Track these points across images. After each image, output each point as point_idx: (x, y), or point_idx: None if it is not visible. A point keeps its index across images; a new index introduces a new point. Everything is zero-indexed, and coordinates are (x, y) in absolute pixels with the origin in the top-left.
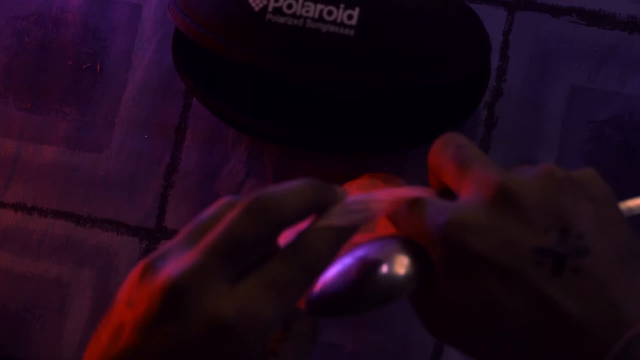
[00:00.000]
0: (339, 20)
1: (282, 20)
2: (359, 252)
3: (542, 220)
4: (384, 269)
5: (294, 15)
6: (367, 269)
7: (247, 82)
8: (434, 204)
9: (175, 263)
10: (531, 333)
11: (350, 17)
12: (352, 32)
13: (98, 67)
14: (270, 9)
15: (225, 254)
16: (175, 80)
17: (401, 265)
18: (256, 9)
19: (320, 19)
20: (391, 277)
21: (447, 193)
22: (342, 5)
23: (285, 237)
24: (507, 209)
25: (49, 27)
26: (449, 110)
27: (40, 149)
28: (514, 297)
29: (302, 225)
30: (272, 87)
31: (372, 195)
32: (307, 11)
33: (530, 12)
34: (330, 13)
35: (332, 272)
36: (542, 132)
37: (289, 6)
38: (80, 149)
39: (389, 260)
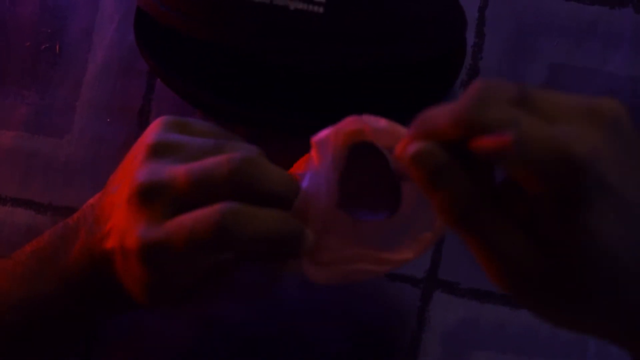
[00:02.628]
0: None
1: None
2: None
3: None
4: None
5: None
6: None
7: (213, 61)
8: (537, 123)
9: (159, 175)
10: None
11: None
12: (320, 9)
13: (57, 47)
14: None
15: (187, 194)
16: (137, 60)
17: None
18: None
19: None
20: None
21: None
22: None
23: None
24: (614, 133)
25: (5, 5)
26: (424, 88)
27: None
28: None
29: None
30: (239, 66)
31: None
32: None
33: None
34: None
35: None
36: None
37: None
38: (40, 134)
39: None
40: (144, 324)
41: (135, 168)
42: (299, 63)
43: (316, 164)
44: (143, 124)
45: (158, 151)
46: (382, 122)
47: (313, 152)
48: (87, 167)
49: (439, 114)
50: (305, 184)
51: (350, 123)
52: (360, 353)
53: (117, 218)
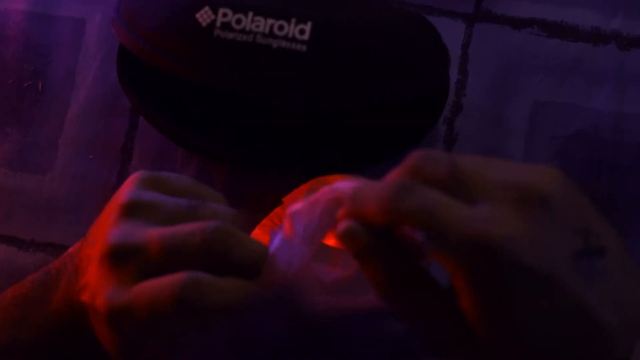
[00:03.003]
0: (290, 35)
1: (231, 36)
2: None
3: (569, 222)
4: None
5: (243, 31)
6: None
7: (196, 99)
8: (456, 210)
9: (131, 238)
10: (572, 348)
11: (302, 31)
12: (304, 48)
13: (40, 85)
14: (218, 24)
15: (158, 260)
16: (120, 98)
17: None
18: (203, 24)
19: (271, 34)
20: None
21: None
22: (293, 20)
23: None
24: (538, 212)
25: None
26: (406, 126)
27: None
28: (557, 310)
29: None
30: (222, 105)
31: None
32: (257, 26)
33: (489, 24)
34: (281, 28)
35: None
36: (505, 148)
37: (238, 21)
38: (23, 171)
39: None
40: None
41: (108, 227)
42: (282, 102)
43: (288, 234)
44: (126, 162)
45: (131, 211)
46: (354, 184)
47: (285, 222)
48: (70, 204)
49: (368, 196)
50: (273, 248)
51: (324, 194)
52: None
53: (90, 274)
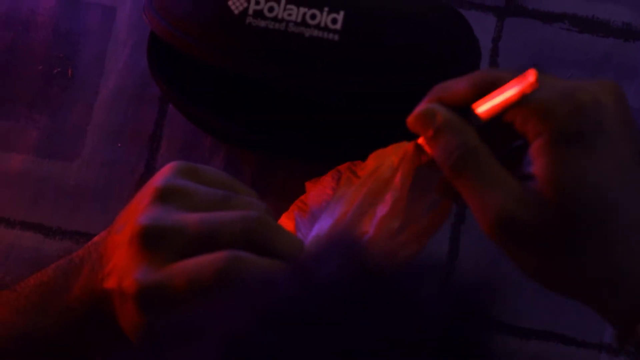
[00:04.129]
0: (322, 24)
1: (263, 24)
2: None
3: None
4: None
5: (275, 19)
6: None
7: (226, 87)
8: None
9: (164, 221)
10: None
11: (334, 21)
12: (336, 37)
13: (69, 72)
14: (250, 12)
15: (194, 243)
16: (150, 86)
17: None
18: (236, 12)
19: (303, 22)
20: None
21: None
22: (326, 9)
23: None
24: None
25: (18, 29)
26: None
27: (7, 157)
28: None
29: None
30: (252, 92)
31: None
32: (290, 15)
33: (521, 18)
34: (313, 17)
35: None
36: None
37: (271, 9)
38: (51, 158)
39: None
40: None
41: (140, 211)
42: (312, 90)
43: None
44: (154, 150)
45: (164, 196)
46: None
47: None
48: (96, 191)
49: (455, 81)
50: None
51: None
52: None
53: (118, 259)
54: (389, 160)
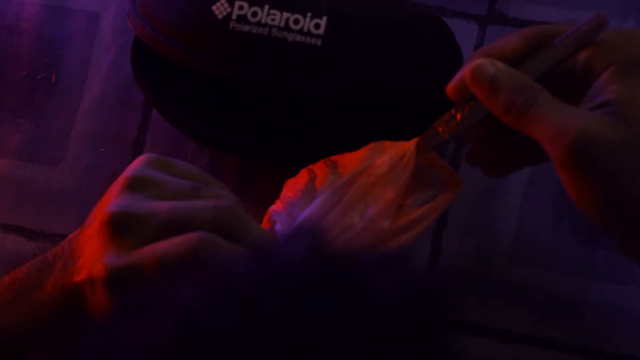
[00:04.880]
0: (305, 29)
1: (246, 28)
2: None
3: None
4: None
5: (259, 24)
6: None
7: (209, 92)
8: None
9: (133, 208)
10: None
11: (317, 26)
12: (319, 42)
13: (53, 77)
14: (234, 16)
15: (163, 230)
16: (133, 92)
17: None
18: (219, 16)
19: (287, 27)
20: None
21: None
22: (309, 14)
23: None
24: None
25: (3, 35)
26: (417, 122)
27: None
28: None
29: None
30: (235, 98)
31: None
32: (273, 19)
33: (502, 26)
34: (296, 22)
35: None
36: None
37: (254, 14)
38: (34, 162)
39: None
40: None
41: (109, 201)
42: (295, 95)
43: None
44: (137, 154)
45: (134, 185)
46: None
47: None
48: (79, 195)
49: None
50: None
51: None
52: None
53: (88, 251)
54: (385, 156)
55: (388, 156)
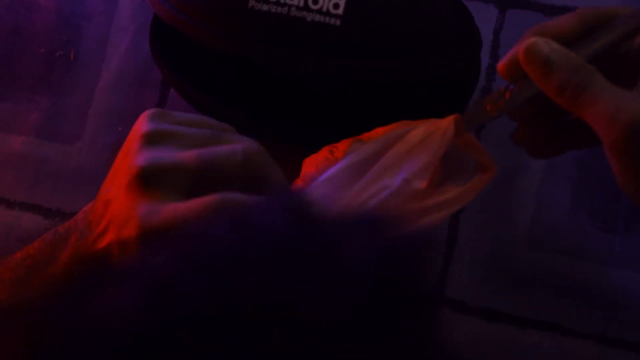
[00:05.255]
0: (324, 9)
1: (265, 7)
2: None
3: None
4: None
5: (278, 3)
6: None
7: (227, 71)
8: None
9: (162, 159)
10: None
11: (336, 6)
12: (337, 22)
13: (72, 55)
14: None
15: (194, 178)
16: (151, 71)
17: None
18: None
19: (306, 7)
20: None
21: None
22: None
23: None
24: None
25: (21, 12)
26: (437, 104)
27: (8, 138)
28: None
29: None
30: (253, 77)
31: None
32: None
33: (522, 10)
34: (315, 1)
35: None
36: None
37: None
38: (51, 140)
39: None
40: None
41: (132, 157)
42: (313, 75)
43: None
44: None
45: (152, 139)
46: None
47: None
48: (96, 174)
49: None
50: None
51: None
52: None
53: (113, 210)
54: (421, 128)
55: (424, 128)
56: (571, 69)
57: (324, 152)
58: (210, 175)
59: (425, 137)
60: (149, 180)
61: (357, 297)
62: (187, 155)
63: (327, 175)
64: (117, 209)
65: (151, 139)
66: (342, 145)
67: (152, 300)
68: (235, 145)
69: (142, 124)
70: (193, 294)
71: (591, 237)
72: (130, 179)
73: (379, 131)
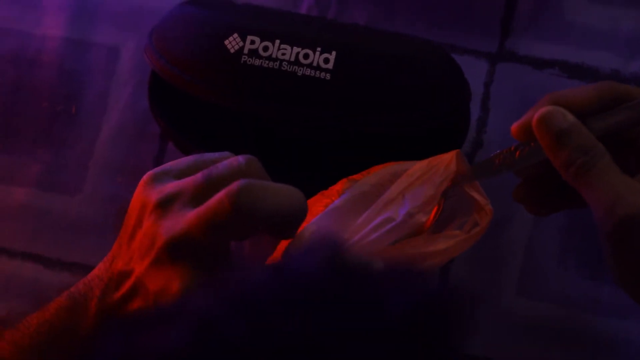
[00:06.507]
0: (315, 63)
1: (257, 62)
2: None
3: None
4: None
5: (269, 58)
6: None
7: (223, 125)
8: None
9: (172, 223)
10: None
11: (326, 60)
12: (328, 76)
13: (73, 109)
14: (246, 51)
15: (206, 229)
16: (150, 124)
17: None
18: (232, 50)
19: (297, 61)
20: None
21: None
22: (318, 49)
23: None
24: None
25: (24, 67)
26: (427, 157)
27: (11, 190)
28: None
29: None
30: (247, 129)
31: None
32: (283, 54)
33: (512, 63)
34: (306, 56)
35: None
36: None
37: (265, 48)
38: (53, 192)
39: None
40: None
41: (152, 229)
42: (305, 127)
43: None
44: None
45: (157, 179)
46: None
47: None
48: (97, 225)
49: (572, 90)
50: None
51: None
52: None
53: (142, 282)
54: (424, 162)
55: (427, 161)
56: (581, 148)
57: (317, 196)
58: (217, 189)
59: (427, 170)
60: (163, 207)
61: (391, 345)
62: (190, 179)
63: (328, 210)
64: (148, 282)
65: (155, 179)
66: (336, 186)
67: (196, 341)
68: (231, 159)
69: (148, 192)
70: (237, 335)
71: (579, 285)
72: (149, 214)
73: (375, 168)
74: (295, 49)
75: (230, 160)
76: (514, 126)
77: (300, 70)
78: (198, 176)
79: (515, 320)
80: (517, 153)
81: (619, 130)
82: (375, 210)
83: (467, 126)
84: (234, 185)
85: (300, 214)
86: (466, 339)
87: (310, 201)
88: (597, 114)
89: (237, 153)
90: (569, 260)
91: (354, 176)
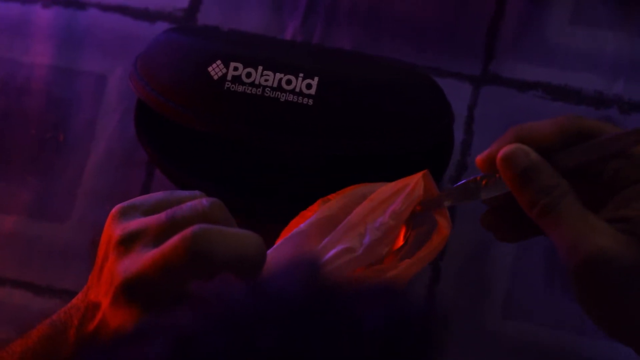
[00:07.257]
0: (297, 89)
1: (240, 89)
2: None
3: None
4: None
5: (252, 84)
6: None
7: (207, 151)
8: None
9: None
10: None
11: (309, 86)
12: (310, 102)
13: (61, 136)
14: (229, 77)
15: (161, 272)
16: (138, 151)
17: None
18: (215, 77)
19: (279, 87)
20: None
21: None
22: (301, 75)
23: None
24: None
25: (13, 95)
26: None
27: (0, 218)
28: None
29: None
30: (231, 155)
31: None
32: (266, 80)
33: (496, 86)
34: (289, 82)
35: None
36: None
37: (248, 75)
38: (42, 219)
39: None
40: None
41: (112, 267)
42: (288, 153)
43: None
44: None
45: (123, 214)
46: None
47: None
48: (85, 252)
49: (539, 123)
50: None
51: None
52: None
53: (103, 280)
54: (388, 185)
55: (394, 183)
56: (543, 189)
57: (297, 217)
58: (177, 231)
59: (393, 194)
60: (124, 244)
61: (366, 356)
62: (153, 218)
63: (292, 234)
64: (109, 319)
65: (121, 214)
66: (313, 207)
67: (175, 357)
68: (195, 201)
69: (114, 228)
70: (215, 351)
71: (565, 307)
72: (110, 250)
73: (346, 190)
74: (278, 75)
75: (195, 203)
76: (479, 158)
77: (283, 96)
78: (162, 216)
79: (502, 342)
80: (484, 182)
81: (585, 166)
82: (336, 238)
83: (451, 149)
84: (188, 231)
85: (258, 259)
86: (444, 358)
87: (292, 222)
88: (564, 150)
89: (222, 179)
90: (555, 281)
91: (329, 196)
